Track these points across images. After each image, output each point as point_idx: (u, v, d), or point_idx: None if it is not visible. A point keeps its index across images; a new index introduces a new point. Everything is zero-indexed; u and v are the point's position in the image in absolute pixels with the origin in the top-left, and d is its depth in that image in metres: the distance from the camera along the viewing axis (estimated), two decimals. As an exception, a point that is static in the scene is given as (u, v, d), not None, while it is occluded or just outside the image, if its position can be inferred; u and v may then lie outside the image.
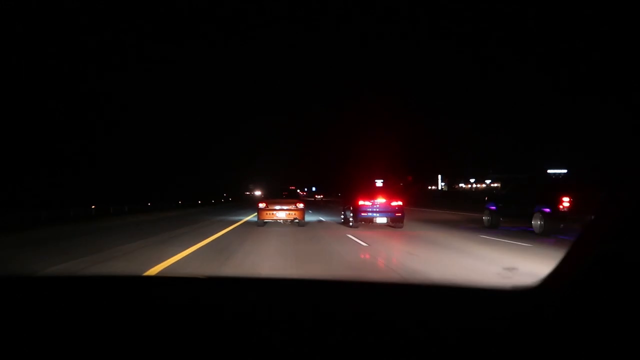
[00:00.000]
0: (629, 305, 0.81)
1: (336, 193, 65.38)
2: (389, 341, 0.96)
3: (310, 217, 17.37)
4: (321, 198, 57.65)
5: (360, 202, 14.08)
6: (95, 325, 1.05)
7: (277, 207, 14.31)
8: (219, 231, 12.69)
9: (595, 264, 0.89)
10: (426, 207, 29.49)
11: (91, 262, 7.04)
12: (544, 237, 10.83)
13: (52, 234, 12.68)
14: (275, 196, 15.02)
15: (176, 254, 7.88)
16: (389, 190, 14.72)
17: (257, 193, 16.17)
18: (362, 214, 13.98)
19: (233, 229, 13.96)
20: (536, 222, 11.52)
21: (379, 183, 15.67)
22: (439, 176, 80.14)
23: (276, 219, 14.34)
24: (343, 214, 16.33)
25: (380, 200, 14.07)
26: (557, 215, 10.99)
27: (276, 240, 10.79)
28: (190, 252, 8.30)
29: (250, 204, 30.89)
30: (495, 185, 71.07)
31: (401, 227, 13.93)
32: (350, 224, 14.57)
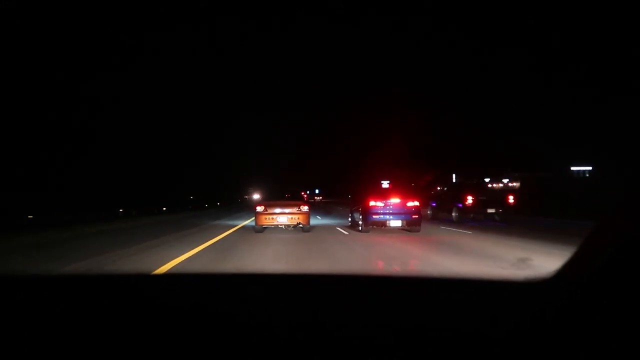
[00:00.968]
0: None
1: (337, 195, 64.14)
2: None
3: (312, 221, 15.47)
4: (320, 200, 56.84)
5: (372, 203, 12.54)
6: (107, 320, 1.09)
7: (278, 211, 12.74)
8: (199, 245, 11.21)
9: (618, 253, 0.91)
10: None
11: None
12: (460, 223, 16.16)
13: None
14: (276, 198, 13.40)
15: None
16: (403, 189, 13.17)
17: (256, 197, 14.41)
18: (374, 216, 12.42)
19: (223, 237, 12.46)
20: (454, 214, 17.31)
21: (389, 183, 14.08)
22: (453, 175, 76.70)
23: (277, 224, 12.77)
24: (351, 217, 14.77)
25: (394, 200, 12.54)
26: (465, 209, 16.88)
27: (274, 249, 9.29)
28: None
29: (243, 208, 29.34)
30: (513, 184, 69.01)
31: (418, 230, 12.42)
32: (360, 228, 13.01)
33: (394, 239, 11.12)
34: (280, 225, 12.82)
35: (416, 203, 12.46)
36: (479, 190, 17.77)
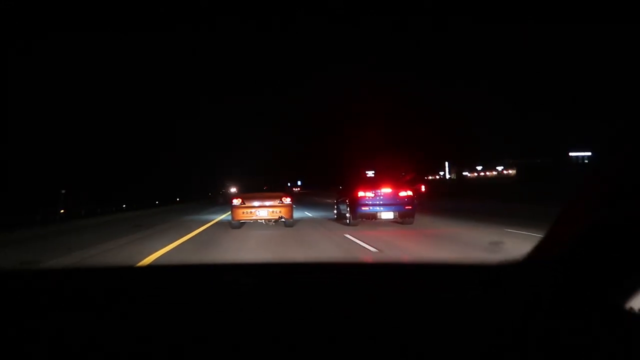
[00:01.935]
0: (621, 271, 0.89)
1: (318, 187, 62.99)
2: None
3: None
4: (298, 190, 55.94)
5: (361, 194, 11.42)
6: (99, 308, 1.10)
7: (257, 204, 11.53)
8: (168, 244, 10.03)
9: (587, 234, 0.94)
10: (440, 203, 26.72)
11: None
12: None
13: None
14: (254, 189, 12.15)
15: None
16: (395, 178, 12.05)
17: (233, 190, 13.09)
18: (363, 208, 11.30)
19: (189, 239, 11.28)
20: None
21: (377, 172, 12.83)
22: (446, 163, 73.32)
23: (256, 219, 11.58)
24: (336, 209, 13.62)
25: (386, 190, 11.43)
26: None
27: (253, 244, 8.14)
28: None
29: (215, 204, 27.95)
30: (508, 172, 67.75)
31: (411, 223, 11.34)
32: (347, 221, 11.90)
33: (389, 234, 10.03)
34: (260, 220, 11.64)
35: (409, 193, 11.42)
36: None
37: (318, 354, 0.87)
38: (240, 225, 11.80)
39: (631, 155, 0.89)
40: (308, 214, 17.22)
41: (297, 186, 57.17)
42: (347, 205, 11.93)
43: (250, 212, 11.43)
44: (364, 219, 11.60)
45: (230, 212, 11.96)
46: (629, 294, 0.88)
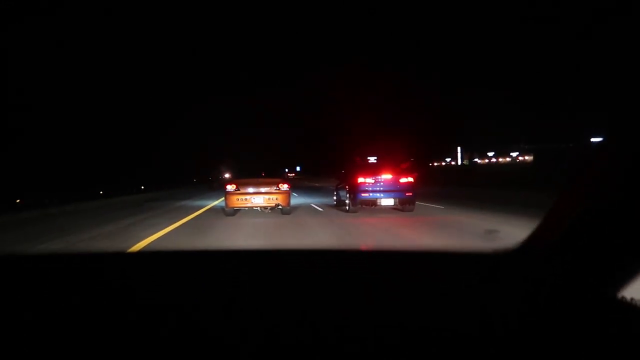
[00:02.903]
0: (613, 257, 0.90)
1: (313, 174, 62.35)
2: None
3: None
4: (293, 176, 55.24)
5: (360, 179, 11.14)
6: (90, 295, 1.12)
7: (252, 190, 11.17)
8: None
9: (578, 223, 0.96)
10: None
11: None
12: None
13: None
14: (250, 175, 11.77)
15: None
16: (396, 164, 11.69)
17: (227, 176, 12.74)
18: (363, 194, 11.05)
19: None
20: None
21: (380, 158, 12.34)
22: (459, 149, 70.28)
23: (251, 206, 11.24)
24: (336, 195, 13.33)
25: (386, 176, 11.15)
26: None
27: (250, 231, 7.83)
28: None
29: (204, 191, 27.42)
30: (524, 158, 65.98)
31: (412, 210, 11.16)
32: (347, 207, 11.61)
33: (388, 220, 9.64)
34: (256, 207, 11.30)
35: (410, 179, 11.14)
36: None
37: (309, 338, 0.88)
38: (234, 212, 11.48)
39: (617, 149, 0.92)
40: (301, 198, 17.30)
41: (293, 172, 56.75)
42: (347, 192, 11.71)
43: (245, 199, 11.09)
44: (364, 206, 11.35)
45: (224, 198, 11.63)
46: (620, 283, 0.90)
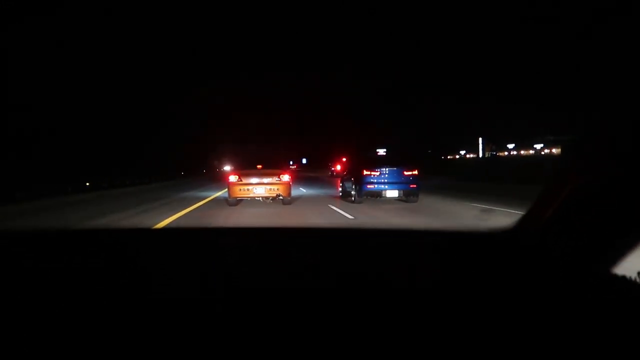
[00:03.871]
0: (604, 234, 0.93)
1: (309, 165, 62.32)
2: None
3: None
4: (295, 168, 55.07)
5: (366, 172, 11.26)
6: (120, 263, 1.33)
7: (254, 181, 11.20)
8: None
9: (570, 199, 0.99)
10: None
11: None
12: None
13: None
14: (252, 167, 11.77)
15: None
16: (401, 156, 11.94)
17: (229, 167, 12.75)
18: (368, 186, 11.19)
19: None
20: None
21: (386, 149, 12.43)
22: (480, 140, 66.15)
23: (253, 196, 11.25)
24: (342, 187, 13.40)
25: (391, 168, 11.25)
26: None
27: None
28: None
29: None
30: (548, 151, 63.66)
31: (416, 201, 11.31)
32: (353, 198, 11.74)
33: (394, 211, 9.43)
34: (257, 197, 11.29)
35: (414, 172, 11.25)
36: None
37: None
38: (237, 202, 11.55)
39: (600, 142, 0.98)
40: (302, 189, 17.51)
41: (296, 164, 56.61)
42: (353, 183, 11.82)
43: (248, 190, 11.15)
44: (369, 197, 11.53)
45: (227, 189, 11.64)
46: (612, 260, 0.92)
